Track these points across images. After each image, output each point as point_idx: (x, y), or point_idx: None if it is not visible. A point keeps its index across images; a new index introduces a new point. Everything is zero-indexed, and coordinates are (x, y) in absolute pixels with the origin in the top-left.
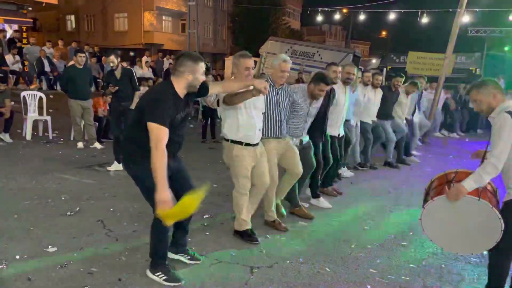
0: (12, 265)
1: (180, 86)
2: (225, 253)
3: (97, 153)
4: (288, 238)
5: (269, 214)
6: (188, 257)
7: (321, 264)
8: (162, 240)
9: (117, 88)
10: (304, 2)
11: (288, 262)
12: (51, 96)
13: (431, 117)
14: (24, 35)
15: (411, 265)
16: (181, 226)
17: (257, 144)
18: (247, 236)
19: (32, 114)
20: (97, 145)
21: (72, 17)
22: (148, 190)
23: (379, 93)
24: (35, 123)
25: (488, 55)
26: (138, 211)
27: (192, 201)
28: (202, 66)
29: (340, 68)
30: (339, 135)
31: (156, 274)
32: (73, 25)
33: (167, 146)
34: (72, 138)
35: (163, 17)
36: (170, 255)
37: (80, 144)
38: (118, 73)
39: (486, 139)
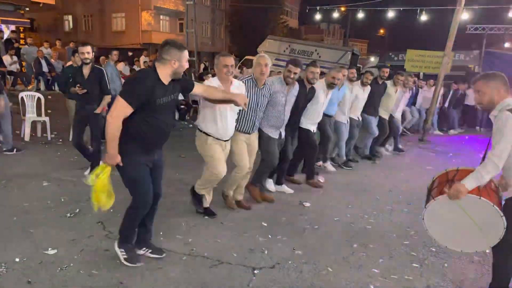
0: (12, 268)
1: (165, 73)
2: (226, 254)
3: None
4: (290, 238)
5: (225, 191)
6: (150, 250)
7: (323, 264)
8: (131, 225)
9: (85, 90)
10: (302, 1)
11: (290, 262)
12: (50, 97)
13: (431, 115)
14: (22, 35)
15: (414, 265)
16: (144, 224)
17: (227, 140)
18: (196, 199)
19: (30, 115)
20: None
21: (70, 17)
22: (129, 180)
23: (367, 91)
24: (34, 124)
25: (487, 53)
26: None
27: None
28: (186, 54)
29: (318, 70)
30: (313, 130)
31: (120, 250)
32: (71, 25)
33: (146, 137)
34: (71, 139)
35: (161, 17)
36: (137, 251)
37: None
38: (86, 71)
39: (485, 136)
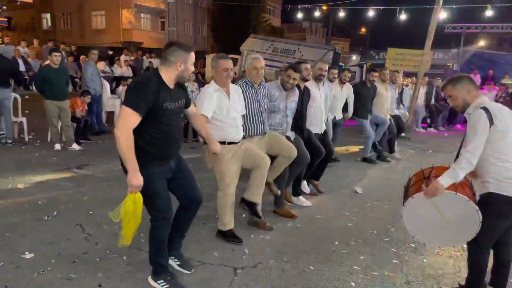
0: None
1: (170, 75)
2: (207, 255)
3: (75, 155)
4: (272, 238)
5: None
6: (179, 262)
7: (305, 263)
8: (159, 247)
9: None
10: None
11: (272, 261)
12: (27, 97)
13: (411, 112)
14: None
15: (394, 261)
16: (179, 228)
17: (239, 142)
18: (230, 237)
19: None
20: (75, 146)
21: (48, 16)
22: (143, 196)
23: (346, 88)
24: None
25: (465, 51)
26: None
27: (130, 208)
28: (193, 55)
29: (309, 66)
30: (321, 130)
31: (158, 282)
32: (49, 24)
33: (155, 145)
34: (49, 140)
35: (142, 15)
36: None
37: (57, 146)
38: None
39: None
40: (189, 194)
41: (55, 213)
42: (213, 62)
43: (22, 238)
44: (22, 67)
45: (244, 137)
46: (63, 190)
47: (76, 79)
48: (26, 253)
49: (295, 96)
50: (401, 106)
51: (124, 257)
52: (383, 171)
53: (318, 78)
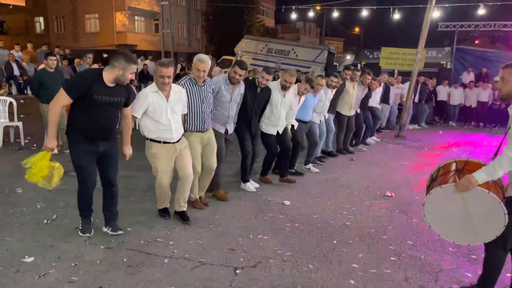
0: None
1: (109, 76)
2: (207, 255)
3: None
4: (271, 237)
5: (190, 195)
6: (111, 229)
7: (304, 262)
8: (79, 203)
9: None
10: (277, 0)
11: (271, 261)
12: (22, 101)
13: (406, 110)
14: None
15: (392, 258)
16: (104, 203)
17: (176, 141)
18: (162, 212)
19: (2, 120)
20: None
21: (41, 19)
22: (74, 167)
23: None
24: (6, 129)
25: (458, 49)
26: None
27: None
28: (133, 67)
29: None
30: (278, 132)
31: (84, 234)
32: (42, 27)
33: (82, 126)
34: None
35: (136, 17)
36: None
37: (54, 150)
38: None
39: (460, 131)
40: (105, 174)
41: (54, 216)
42: (155, 66)
43: (21, 242)
44: (16, 72)
45: (185, 130)
46: (61, 193)
47: None
48: (26, 256)
49: (241, 89)
50: (384, 105)
51: (125, 259)
52: (379, 170)
53: (282, 87)
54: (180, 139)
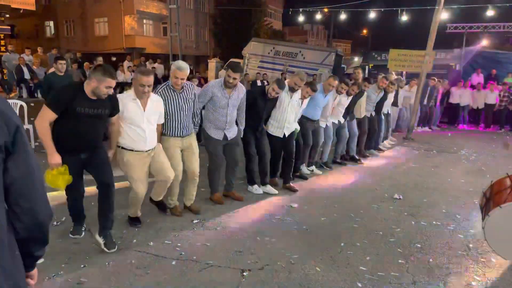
0: None
1: (88, 88)
2: (214, 257)
3: None
4: (278, 240)
5: (169, 202)
6: (104, 242)
7: (311, 264)
8: (71, 208)
9: None
10: (285, 2)
11: (278, 263)
12: (32, 104)
13: (415, 113)
14: (2, 42)
15: (400, 261)
16: (99, 209)
17: (148, 150)
18: (133, 220)
19: None
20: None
21: (51, 23)
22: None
23: (350, 97)
24: None
25: (467, 51)
26: (126, 218)
27: (54, 178)
28: (109, 81)
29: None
30: (284, 135)
31: (74, 236)
32: (52, 31)
33: (66, 139)
34: None
35: (144, 21)
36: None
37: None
38: None
39: (469, 133)
40: (98, 177)
41: (63, 218)
42: (135, 74)
43: None
44: (27, 75)
45: (163, 135)
46: None
47: None
48: None
49: (239, 93)
50: (394, 107)
51: (133, 261)
52: (387, 172)
53: (291, 89)
54: (154, 147)
